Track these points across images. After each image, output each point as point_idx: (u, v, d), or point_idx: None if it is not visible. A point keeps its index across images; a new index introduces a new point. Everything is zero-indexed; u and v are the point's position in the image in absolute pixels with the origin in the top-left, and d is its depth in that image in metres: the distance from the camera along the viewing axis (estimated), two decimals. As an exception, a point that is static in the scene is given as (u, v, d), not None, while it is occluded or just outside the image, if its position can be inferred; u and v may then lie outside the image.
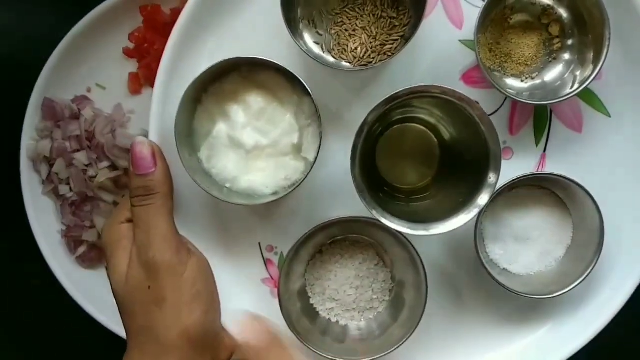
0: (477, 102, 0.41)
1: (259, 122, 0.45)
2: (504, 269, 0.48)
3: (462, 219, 0.42)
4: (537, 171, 0.48)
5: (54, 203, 0.62)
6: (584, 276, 0.46)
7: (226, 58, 0.43)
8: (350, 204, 0.45)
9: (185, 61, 0.47)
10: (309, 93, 0.43)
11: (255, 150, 0.46)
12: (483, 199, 0.42)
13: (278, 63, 0.43)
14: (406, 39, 0.46)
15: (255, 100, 0.45)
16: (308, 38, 0.47)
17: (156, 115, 0.47)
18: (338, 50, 0.47)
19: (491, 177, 0.41)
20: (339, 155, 0.47)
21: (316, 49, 0.48)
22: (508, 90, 0.46)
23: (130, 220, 0.46)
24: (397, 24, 0.47)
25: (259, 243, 0.50)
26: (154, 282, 0.43)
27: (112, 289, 0.45)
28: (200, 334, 0.45)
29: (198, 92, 0.46)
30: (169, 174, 0.46)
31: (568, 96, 0.44)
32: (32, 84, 0.57)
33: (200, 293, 0.45)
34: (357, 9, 0.47)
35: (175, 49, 0.46)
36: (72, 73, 0.60)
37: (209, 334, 0.46)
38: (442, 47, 0.47)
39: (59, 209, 0.62)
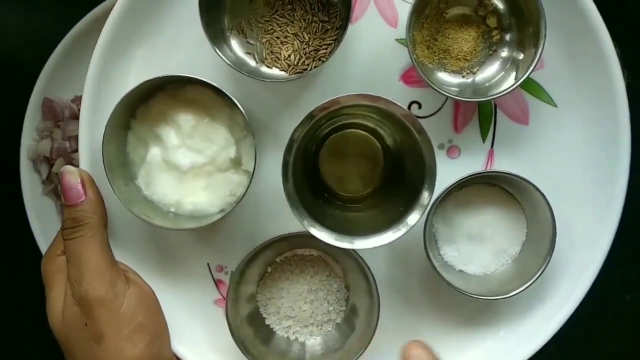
0: (412, 115, 0.39)
1: (192, 140, 0.44)
2: (460, 270, 0.47)
3: (388, 237, 0.40)
4: (486, 167, 0.47)
5: (54, 203, 0.62)
6: (540, 272, 0.45)
7: (148, 79, 0.41)
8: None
9: (109, 86, 0.45)
10: (238, 106, 0.42)
11: (193, 169, 0.44)
12: (413, 218, 0.40)
13: (201, 78, 0.41)
14: (339, 42, 0.44)
15: (185, 118, 0.43)
16: (238, 49, 0.46)
17: (85, 142, 0.45)
18: (271, 58, 0.46)
19: (424, 196, 0.40)
20: (279, 167, 0.46)
21: (248, 59, 0.46)
22: (448, 88, 0.45)
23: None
24: (329, 27, 0.45)
25: (208, 264, 0.48)
26: (89, 318, 0.42)
27: (50, 325, 0.43)
28: None
29: (125, 118, 0.44)
30: (101, 203, 0.44)
31: (509, 90, 0.43)
32: (32, 84, 0.57)
33: (141, 324, 0.43)
34: (286, 15, 0.45)
35: (96, 76, 0.45)
36: (72, 73, 0.60)
37: (158, 364, 0.44)
38: (379, 47, 0.46)
39: (59, 209, 0.62)
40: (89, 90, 0.45)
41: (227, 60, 0.42)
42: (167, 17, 0.46)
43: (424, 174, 0.39)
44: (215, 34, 0.44)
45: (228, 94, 0.41)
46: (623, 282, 0.60)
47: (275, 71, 0.46)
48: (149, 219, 0.42)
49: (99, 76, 0.45)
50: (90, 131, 0.45)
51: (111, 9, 0.52)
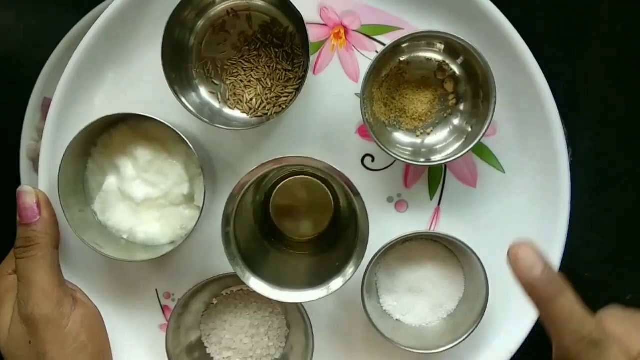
0: (350, 181, 0.41)
1: (147, 174, 0.45)
2: (397, 319, 0.49)
3: (313, 294, 0.42)
4: (431, 224, 0.49)
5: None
6: (472, 330, 0.46)
7: (107, 115, 0.43)
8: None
9: (75, 107, 0.47)
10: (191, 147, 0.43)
11: (147, 201, 0.46)
12: (336, 283, 0.42)
13: (158, 118, 0.43)
14: (299, 90, 0.45)
15: (143, 153, 0.45)
16: (203, 88, 0.47)
17: (45, 164, 0.47)
18: (234, 100, 0.47)
19: (350, 267, 0.41)
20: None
21: (212, 99, 0.47)
22: (401, 147, 0.46)
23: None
24: (292, 76, 0.46)
25: (156, 290, 0.50)
26: (34, 337, 0.43)
27: None
28: None
29: (86, 145, 0.45)
30: (54, 224, 0.46)
31: (458, 156, 0.44)
32: (32, 84, 0.57)
33: (85, 345, 0.45)
34: (252, 60, 0.47)
35: (62, 100, 0.46)
36: None
37: (96, 385, 0.46)
38: (339, 99, 0.47)
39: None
40: (53, 111, 0.46)
41: (189, 107, 0.44)
42: (137, 49, 0.47)
43: (356, 240, 0.41)
44: (181, 72, 0.45)
45: (182, 136, 0.43)
46: (623, 282, 0.60)
47: (237, 112, 0.47)
48: (98, 248, 0.44)
49: (66, 97, 0.47)
50: (52, 154, 0.47)
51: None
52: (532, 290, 0.35)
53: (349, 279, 0.42)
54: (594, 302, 0.47)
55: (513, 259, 0.35)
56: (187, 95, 0.45)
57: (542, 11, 0.53)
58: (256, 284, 0.42)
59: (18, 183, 0.60)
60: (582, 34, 0.53)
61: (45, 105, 0.59)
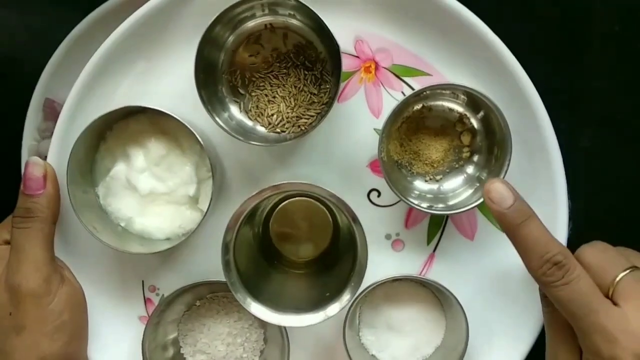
0: (347, 205, 0.42)
1: (157, 168, 0.46)
2: (372, 355, 0.49)
3: (308, 319, 0.43)
4: (423, 268, 0.49)
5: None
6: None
7: (128, 105, 0.43)
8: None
9: (100, 89, 0.47)
10: (207, 147, 0.44)
11: (151, 195, 0.46)
12: (333, 309, 0.42)
13: (177, 117, 0.43)
14: (322, 116, 0.46)
15: (157, 146, 0.45)
16: (229, 95, 0.48)
17: (58, 140, 0.47)
18: (255, 112, 0.48)
19: (346, 294, 0.42)
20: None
21: (234, 107, 0.48)
22: (409, 189, 0.47)
23: (8, 242, 0.46)
24: (316, 100, 0.47)
25: (142, 281, 0.50)
26: (15, 308, 0.43)
27: None
28: None
29: (102, 129, 0.46)
30: (57, 200, 0.46)
31: (462, 209, 0.45)
32: (33, 85, 0.57)
33: (65, 324, 0.45)
34: (280, 77, 0.47)
35: (88, 80, 0.46)
36: (74, 73, 0.58)
37: (70, 365, 0.46)
38: (357, 131, 0.48)
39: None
40: (77, 90, 0.46)
41: (220, 123, 0.44)
42: (173, 43, 0.47)
43: (354, 268, 0.42)
44: (209, 75, 0.46)
45: (199, 138, 0.43)
46: None
47: (256, 125, 0.48)
48: (94, 232, 0.44)
49: (93, 77, 0.47)
50: (67, 131, 0.47)
51: (113, 9, 0.54)
52: (503, 218, 0.40)
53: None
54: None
55: (486, 193, 0.40)
56: (211, 100, 0.45)
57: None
58: (257, 309, 0.43)
59: (19, 183, 0.59)
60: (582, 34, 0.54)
61: (47, 105, 0.59)
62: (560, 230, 0.47)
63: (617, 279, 0.39)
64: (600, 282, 0.40)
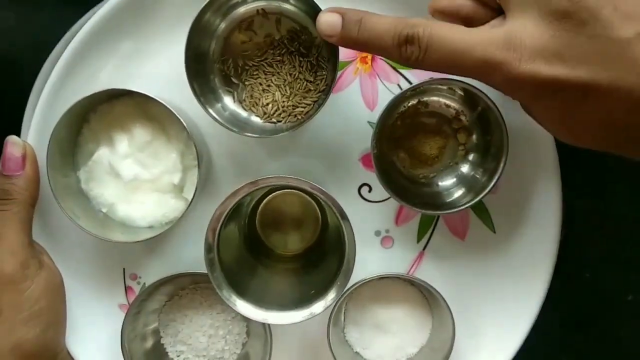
0: (336, 201, 0.40)
1: (141, 154, 0.44)
2: (356, 352, 0.48)
3: (293, 317, 0.42)
4: (412, 266, 0.49)
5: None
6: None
7: (114, 88, 0.41)
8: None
9: (81, 73, 0.45)
10: (193, 135, 0.42)
11: (135, 182, 0.44)
12: (318, 307, 0.41)
13: (164, 103, 0.42)
14: (319, 105, 0.44)
15: (142, 131, 0.44)
16: (221, 85, 0.46)
17: (38, 120, 0.45)
18: (250, 102, 0.46)
19: (331, 293, 0.41)
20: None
21: (227, 97, 0.46)
22: (401, 186, 0.46)
23: None
24: (312, 88, 0.45)
25: (124, 269, 0.49)
26: None
27: None
28: (36, 350, 0.44)
29: (86, 111, 0.44)
30: (36, 182, 0.44)
31: (454, 210, 0.44)
32: (31, 84, 0.55)
33: (42, 310, 0.44)
34: (274, 65, 0.45)
35: (71, 59, 0.45)
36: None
37: (46, 351, 0.45)
38: (350, 123, 0.47)
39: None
40: (61, 67, 0.45)
41: (214, 114, 0.43)
42: (162, 24, 0.45)
43: (340, 266, 0.40)
44: (200, 64, 0.44)
45: (185, 124, 0.41)
46: (623, 282, 0.58)
47: (250, 115, 0.46)
48: (74, 217, 0.43)
49: (76, 57, 0.45)
50: (48, 111, 0.45)
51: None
52: (343, 41, 0.37)
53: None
54: (593, 302, 0.47)
55: (319, 31, 0.38)
56: (203, 90, 0.44)
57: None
58: (242, 307, 0.42)
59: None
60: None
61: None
62: (554, 227, 0.46)
63: None
64: None
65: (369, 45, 0.36)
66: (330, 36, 0.37)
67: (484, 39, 0.33)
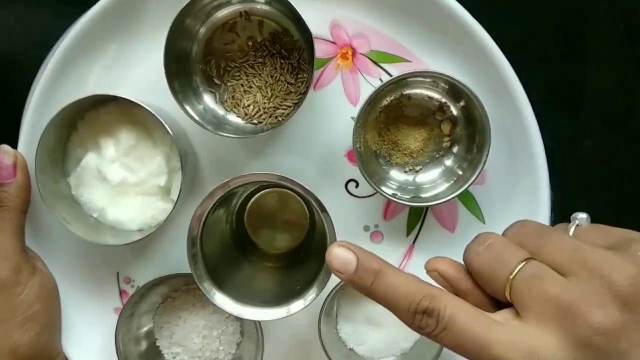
0: (314, 195, 0.40)
1: (127, 158, 0.45)
2: (350, 348, 0.48)
3: (270, 314, 0.42)
4: (403, 260, 0.48)
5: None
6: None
7: (98, 94, 0.42)
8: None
9: (67, 80, 0.46)
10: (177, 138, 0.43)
11: (122, 186, 0.45)
12: (297, 306, 0.41)
13: (148, 108, 0.42)
14: (298, 106, 0.45)
15: (127, 136, 0.45)
16: (203, 85, 0.47)
17: (28, 128, 0.46)
18: (231, 103, 0.47)
19: (311, 293, 0.41)
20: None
21: (209, 98, 0.47)
22: (388, 180, 0.46)
23: None
24: (293, 90, 0.46)
25: (117, 272, 0.49)
26: None
27: None
28: (32, 354, 0.45)
29: (73, 118, 0.45)
30: (27, 189, 0.45)
31: (442, 200, 0.44)
32: (30, 84, 0.56)
33: (36, 314, 0.45)
34: (256, 67, 0.46)
35: (58, 66, 0.46)
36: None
37: (42, 355, 0.46)
38: (334, 120, 0.47)
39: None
40: (48, 75, 0.45)
41: (192, 114, 0.43)
42: (145, 29, 0.46)
43: (323, 262, 0.40)
44: (182, 64, 0.45)
45: (167, 128, 0.42)
46: None
47: (231, 116, 0.47)
48: (65, 223, 0.44)
49: (63, 64, 0.46)
50: (38, 119, 0.46)
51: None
52: (354, 284, 0.34)
53: (309, 304, 0.41)
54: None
55: (330, 264, 0.34)
56: (185, 90, 0.44)
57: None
58: (220, 300, 0.42)
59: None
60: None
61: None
62: (544, 213, 0.46)
63: (510, 278, 0.32)
64: (495, 287, 0.33)
65: (380, 301, 0.34)
66: (340, 273, 0.34)
67: (507, 340, 0.31)
